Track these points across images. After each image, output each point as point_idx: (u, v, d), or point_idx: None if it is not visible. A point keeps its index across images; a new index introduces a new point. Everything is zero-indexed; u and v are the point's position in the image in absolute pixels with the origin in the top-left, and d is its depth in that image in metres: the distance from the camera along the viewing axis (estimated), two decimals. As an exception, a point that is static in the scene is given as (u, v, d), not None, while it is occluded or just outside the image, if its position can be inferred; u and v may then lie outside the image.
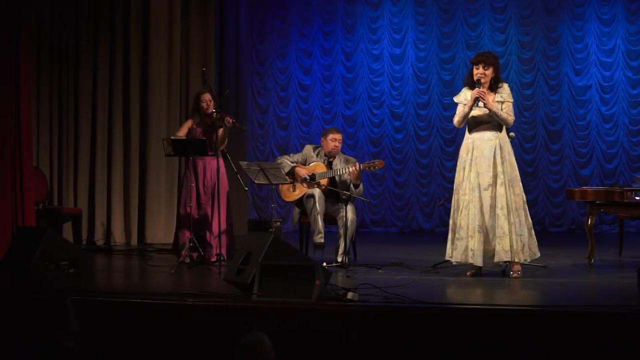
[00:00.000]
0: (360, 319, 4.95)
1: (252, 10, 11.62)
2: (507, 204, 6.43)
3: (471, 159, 6.55)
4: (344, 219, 7.14)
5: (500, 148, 6.52)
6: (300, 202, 7.59)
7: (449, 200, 6.96)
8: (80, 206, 9.39)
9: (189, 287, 5.94)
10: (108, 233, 9.56)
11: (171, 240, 8.90)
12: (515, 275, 6.45)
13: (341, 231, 7.22)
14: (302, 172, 7.52)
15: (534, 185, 11.13)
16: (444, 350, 4.73)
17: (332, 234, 8.01)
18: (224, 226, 7.45)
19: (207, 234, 7.54)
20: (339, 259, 7.13)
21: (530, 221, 6.62)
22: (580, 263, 7.46)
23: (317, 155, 7.64)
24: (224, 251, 7.41)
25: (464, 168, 6.59)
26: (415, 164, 11.51)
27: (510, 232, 6.41)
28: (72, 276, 6.48)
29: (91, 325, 4.38)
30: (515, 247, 6.42)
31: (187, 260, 7.28)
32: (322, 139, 7.69)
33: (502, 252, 6.41)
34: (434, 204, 11.26)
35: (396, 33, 11.56)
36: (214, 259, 7.38)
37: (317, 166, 7.58)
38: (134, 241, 9.60)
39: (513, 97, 6.73)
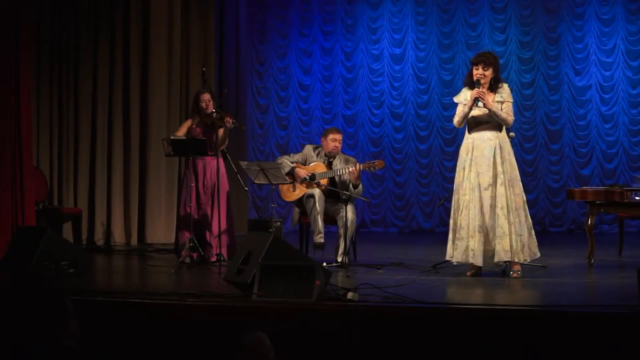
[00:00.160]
0: (360, 319, 4.95)
1: (252, 10, 11.61)
2: (507, 204, 6.43)
3: (471, 159, 6.55)
4: (344, 219, 7.14)
5: (500, 148, 6.52)
6: (300, 202, 7.59)
7: (449, 200, 6.96)
8: (80, 206, 9.39)
9: (189, 287, 5.93)
10: (108, 233, 9.56)
11: (171, 240, 8.90)
12: (515, 275, 6.45)
13: (341, 231, 7.21)
14: (302, 172, 7.52)
15: (534, 185, 11.12)
16: (444, 350, 4.73)
17: (332, 234, 8.01)
18: (224, 226, 7.45)
19: (207, 234, 7.54)
20: (339, 259, 7.13)
21: (530, 221, 6.62)
22: (580, 263, 7.45)
23: (317, 155, 7.64)
24: (224, 251, 7.41)
25: (464, 168, 6.59)
26: (415, 164, 11.50)
27: (510, 232, 6.41)
28: (72, 276, 6.48)
29: (91, 325, 4.38)
30: (515, 247, 6.42)
31: (187, 260, 7.28)
32: (322, 139, 7.69)
33: (502, 252, 6.41)
34: (434, 204, 11.25)
35: (396, 33, 11.55)
36: (214, 259, 7.38)
37: (317, 166, 7.58)
38: (134, 241, 9.60)
39: (513, 97, 6.73)
